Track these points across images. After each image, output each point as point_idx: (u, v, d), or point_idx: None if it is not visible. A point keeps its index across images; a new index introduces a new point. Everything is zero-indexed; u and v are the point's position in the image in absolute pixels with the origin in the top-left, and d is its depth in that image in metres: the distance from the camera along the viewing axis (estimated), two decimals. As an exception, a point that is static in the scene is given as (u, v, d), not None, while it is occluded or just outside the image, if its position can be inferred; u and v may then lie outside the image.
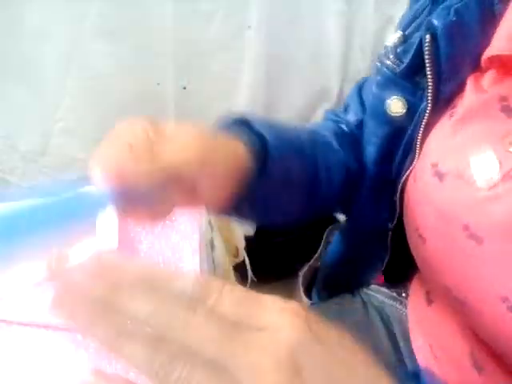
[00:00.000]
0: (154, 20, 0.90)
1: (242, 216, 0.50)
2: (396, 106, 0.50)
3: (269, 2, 0.93)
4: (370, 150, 0.54)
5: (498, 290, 0.40)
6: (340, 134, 0.57)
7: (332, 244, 0.66)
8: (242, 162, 0.43)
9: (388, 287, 0.63)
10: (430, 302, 0.55)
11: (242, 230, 0.94)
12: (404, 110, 0.50)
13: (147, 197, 0.38)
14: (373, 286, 0.63)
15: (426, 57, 0.45)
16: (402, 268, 0.59)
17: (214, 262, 0.57)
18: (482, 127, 0.43)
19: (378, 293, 0.63)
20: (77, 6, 0.87)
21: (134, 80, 0.93)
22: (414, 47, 0.46)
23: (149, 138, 0.39)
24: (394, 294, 0.62)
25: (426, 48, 0.45)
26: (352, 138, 0.57)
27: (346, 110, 0.61)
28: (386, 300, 0.62)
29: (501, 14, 0.44)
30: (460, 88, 0.46)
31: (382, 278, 0.64)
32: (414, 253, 0.51)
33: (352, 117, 0.59)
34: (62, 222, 0.34)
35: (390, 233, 0.57)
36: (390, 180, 0.53)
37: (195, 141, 0.40)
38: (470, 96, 0.45)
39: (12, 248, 0.30)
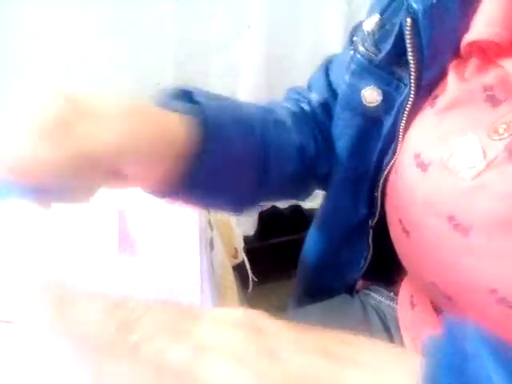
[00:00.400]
0: (154, 20, 0.90)
1: (184, 198, 0.47)
2: (371, 96, 0.48)
3: (269, 1, 0.93)
4: (344, 142, 0.52)
5: (486, 283, 0.40)
6: (298, 114, 0.54)
7: (310, 240, 0.63)
8: (176, 142, 0.40)
9: (386, 287, 0.62)
10: (413, 305, 0.54)
11: (241, 230, 0.94)
12: (379, 101, 0.48)
13: (60, 186, 0.35)
14: (371, 287, 0.63)
15: (408, 41, 0.43)
16: (393, 269, 0.59)
17: (212, 262, 0.57)
18: (466, 117, 0.42)
19: (376, 293, 0.63)
20: (77, 6, 0.87)
21: (134, 80, 0.93)
22: (394, 33, 0.44)
23: (63, 117, 0.34)
24: (392, 294, 0.61)
25: (407, 33, 0.43)
26: (312, 118, 0.55)
27: (309, 88, 0.59)
28: (384, 300, 0.62)
29: (479, 1, 0.43)
30: (441, 76, 0.45)
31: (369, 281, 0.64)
32: (398, 248, 0.50)
33: (315, 96, 0.56)
34: None
35: (371, 230, 0.55)
36: (367, 173, 0.51)
37: (119, 122, 0.36)
38: (452, 85, 0.44)
39: None
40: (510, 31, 0.40)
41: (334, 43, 0.98)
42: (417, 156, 0.44)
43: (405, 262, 0.51)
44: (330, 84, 0.56)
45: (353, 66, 0.49)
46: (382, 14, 0.46)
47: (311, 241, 0.62)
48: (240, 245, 0.80)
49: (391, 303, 0.61)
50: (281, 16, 0.95)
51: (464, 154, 0.40)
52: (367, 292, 0.63)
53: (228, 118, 0.45)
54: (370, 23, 0.47)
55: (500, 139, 0.39)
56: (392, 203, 0.49)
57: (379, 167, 0.50)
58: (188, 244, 0.54)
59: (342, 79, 0.50)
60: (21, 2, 0.86)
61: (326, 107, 0.55)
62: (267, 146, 0.48)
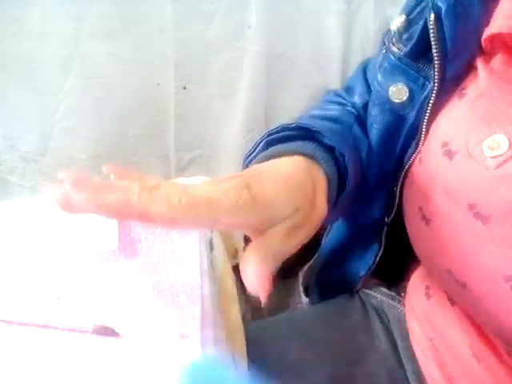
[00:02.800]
0: (154, 20, 0.90)
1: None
2: (398, 92, 0.51)
3: (269, 1, 0.93)
4: (373, 138, 0.55)
5: (501, 270, 0.41)
6: (358, 120, 0.58)
7: (327, 238, 0.66)
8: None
9: (387, 287, 0.63)
10: (429, 296, 0.55)
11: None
12: (405, 98, 0.50)
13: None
14: (372, 286, 0.63)
15: (432, 35, 0.46)
16: (398, 268, 0.59)
17: (212, 262, 0.57)
18: (494, 108, 0.43)
19: (377, 292, 0.63)
20: (77, 6, 0.87)
21: (134, 80, 0.93)
22: (420, 29, 0.47)
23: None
24: (393, 294, 0.62)
25: (431, 27, 0.46)
26: (360, 121, 0.58)
27: (348, 92, 0.61)
28: (385, 299, 0.62)
29: None
30: (467, 69, 0.47)
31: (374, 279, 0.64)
32: (415, 238, 0.51)
33: (358, 99, 0.59)
34: None
35: (386, 228, 0.56)
36: (389, 169, 0.54)
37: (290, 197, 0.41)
38: (482, 77, 0.45)
39: None
40: None
41: (334, 43, 0.98)
42: (444, 144, 0.46)
43: (421, 252, 0.52)
44: (368, 86, 0.58)
45: (385, 65, 0.52)
46: (407, 15, 0.50)
47: (326, 238, 0.64)
48: (240, 245, 0.80)
49: (393, 302, 0.61)
50: (281, 16, 0.95)
51: (489, 144, 0.42)
52: (367, 291, 0.63)
53: (346, 147, 0.50)
54: (397, 23, 0.50)
55: None
56: (412, 193, 0.50)
57: (401, 162, 0.52)
58: (188, 244, 0.54)
59: (375, 79, 0.54)
60: (21, 2, 0.86)
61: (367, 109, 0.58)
62: (362, 160, 0.54)
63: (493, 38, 0.45)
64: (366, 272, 0.60)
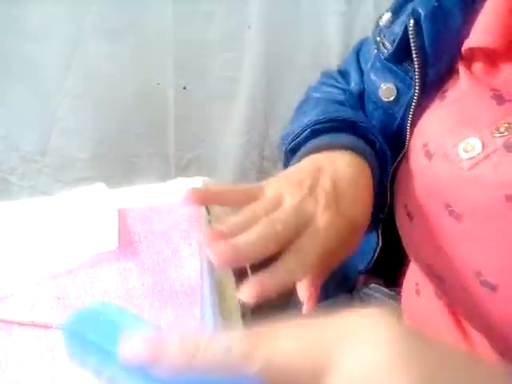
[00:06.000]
0: (153, 20, 0.91)
1: None
2: (388, 92, 0.52)
3: (269, 2, 0.93)
4: None
5: (472, 266, 0.43)
6: (361, 110, 0.59)
7: None
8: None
9: (387, 286, 0.63)
10: (418, 292, 0.56)
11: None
12: (393, 97, 0.52)
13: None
14: (372, 285, 0.64)
15: (412, 40, 0.47)
16: (396, 266, 0.59)
17: (212, 262, 0.57)
18: (472, 112, 0.45)
19: (377, 292, 0.63)
20: (77, 6, 0.87)
21: (133, 80, 0.93)
22: (401, 33, 0.49)
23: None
24: (393, 293, 0.62)
25: (411, 33, 0.47)
26: (360, 107, 0.59)
27: (344, 77, 0.62)
28: (385, 299, 0.62)
29: (481, 6, 0.47)
30: (449, 72, 0.49)
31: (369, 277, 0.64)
32: (402, 233, 0.53)
33: (354, 87, 0.59)
34: None
35: (381, 223, 0.57)
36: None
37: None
38: (462, 82, 0.47)
39: None
40: (504, 39, 0.44)
41: (334, 43, 0.98)
42: (425, 145, 0.48)
43: (407, 247, 0.53)
44: (362, 75, 0.60)
45: (376, 64, 0.53)
46: (393, 12, 0.51)
47: None
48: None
49: (392, 301, 0.61)
50: (281, 16, 0.95)
51: (465, 146, 0.44)
52: (367, 291, 0.63)
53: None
54: (384, 19, 0.52)
55: (500, 136, 0.42)
56: (400, 190, 0.52)
57: (392, 158, 0.53)
58: (188, 244, 0.54)
59: (368, 76, 0.55)
60: (21, 2, 0.86)
61: (363, 97, 0.59)
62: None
63: (471, 50, 0.47)
64: (365, 267, 0.60)
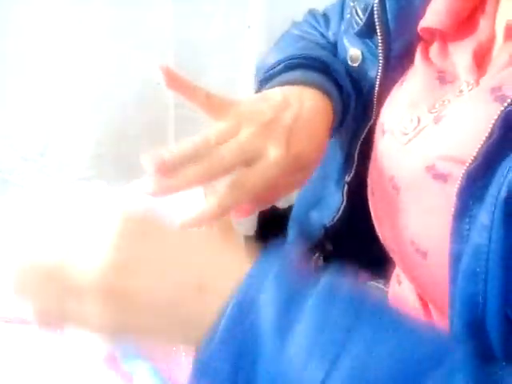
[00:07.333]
0: (153, 20, 0.91)
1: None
2: (354, 57, 0.56)
3: (269, 1, 0.93)
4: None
5: (409, 236, 0.45)
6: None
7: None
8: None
9: (384, 284, 0.63)
10: (399, 282, 0.56)
11: (241, 230, 0.94)
12: (358, 62, 0.55)
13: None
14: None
15: (376, 15, 0.51)
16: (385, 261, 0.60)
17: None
18: (420, 93, 0.48)
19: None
20: (77, 6, 0.87)
21: (133, 80, 0.93)
22: (369, 11, 0.52)
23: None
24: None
25: (376, 7, 0.51)
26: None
27: (325, 22, 0.64)
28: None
29: None
30: (411, 53, 0.52)
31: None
32: (372, 210, 0.55)
33: (332, 36, 0.62)
34: None
35: (346, 185, 0.59)
36: (347, 129, 0.58)
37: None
38: (417, 63, 0.50)
39: None
40: (451, 20, 0.47)
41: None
42: (381, 124, 0.51)
43: (374, 221, 0.56)
44: (341, 23, 0.62)
45: (349, 30, 0.57)
46: None
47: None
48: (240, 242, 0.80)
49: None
50: (281, 16, 0.95)
51: (407, 123, 0.47)
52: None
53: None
54: None
55: (435, 112, 0.45)
56: (367, 166, 0.55)
57: (357, 129, 0.57)
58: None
59: (340, 36, 0.59)
60: (21, 2, 0.86)
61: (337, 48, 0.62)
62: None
63: (428, 30, 0.50)
64: (329, 222, 0.62)
